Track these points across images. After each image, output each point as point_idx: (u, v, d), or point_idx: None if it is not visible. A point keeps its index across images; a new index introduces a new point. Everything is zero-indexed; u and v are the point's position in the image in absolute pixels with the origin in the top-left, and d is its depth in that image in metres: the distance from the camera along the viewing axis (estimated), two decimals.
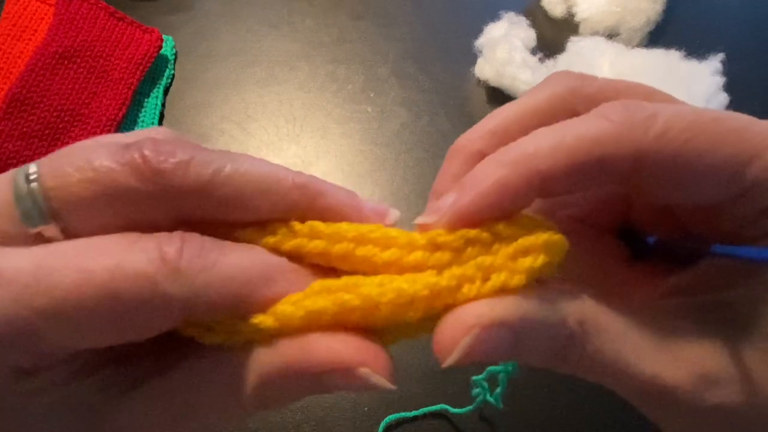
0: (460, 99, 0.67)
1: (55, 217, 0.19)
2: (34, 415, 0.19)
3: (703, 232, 0.24)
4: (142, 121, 0.62)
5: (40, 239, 0.19)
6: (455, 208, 0.20)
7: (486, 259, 0.20)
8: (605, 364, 0.20)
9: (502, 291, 0.19)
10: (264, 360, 0.19)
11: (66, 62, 0.58)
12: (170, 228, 0.19)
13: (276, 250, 0.20)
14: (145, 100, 0.63)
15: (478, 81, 0.67)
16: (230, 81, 0.67)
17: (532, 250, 0.20)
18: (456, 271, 0.20)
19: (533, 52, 0.67)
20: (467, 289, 0.19)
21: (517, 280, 0.19)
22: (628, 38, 0.69)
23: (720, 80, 0.63)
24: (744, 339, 0.21)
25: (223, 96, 0.66)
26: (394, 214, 0.22)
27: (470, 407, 0.45)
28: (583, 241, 0.21)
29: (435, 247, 0.20)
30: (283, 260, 0.20)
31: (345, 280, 0.20)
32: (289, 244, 0.20)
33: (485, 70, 0.65)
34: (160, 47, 0.64)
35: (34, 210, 0.19)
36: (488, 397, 0.43)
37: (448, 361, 0.19)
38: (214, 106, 0.65)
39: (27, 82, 0.55)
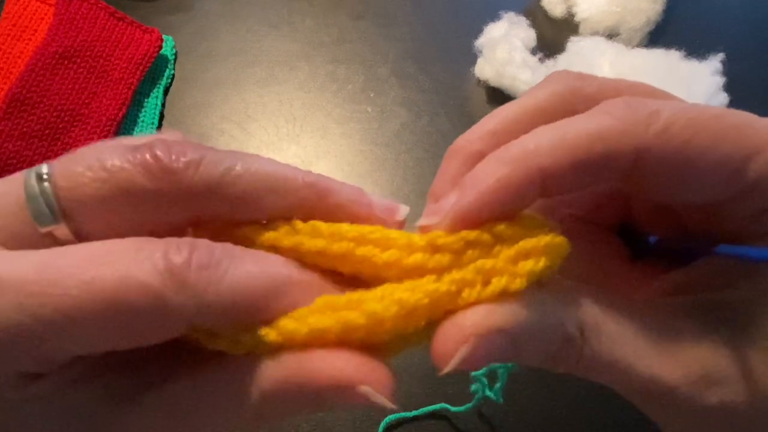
0: (460, 99, 0.67)
1: (66, 217, 0.19)
2: (38, 420, 0.19)
3: (704, 231, 0.24)
4: (142, 121, 0.62)
5: (51, 239, 0.19)
6: (456, 209, 0.20)
7: (486, 263, 0.20)
8: (604, 365, 0.20)
9: (503, 295, 0.19)
10: (266, 374, 0.19)
11: (66, 62, 0.58)
12: (181, 227, 0.19)
13: (274, 248, 0.20)
14: (145, 100, 0.63)
15: (478, 81, 0.67)
16: (230, 81, 0.67)
17: (534, 253, 0.20)
18: (456, 275, 0.19)
19: (533, 52, 0.67)
20: (467, 294, 0.19)
21: (518, 284, 0.19)
22: (628, 38, 0.69)
23: (720, 80, 0.63)
24: (745, 338, 0.21)
25: (223, 96, 0.66)
26: (404, 210, 0.22)
27: (470, 404, 0.45)
28: (583, 239, 0.21)
29: (435, 249, 0.20)
30: (294, 271, 0.20)
31: (348, 296, 0.19)
32: (289, 241, 0.20)
33: (485, 70, 0.65)
34: (160, 47, 0.64)
35: (45, 209, 0.19)
36: (487, 392, 0.43)
37: (446, 370, 0.19)
38: (214, 106, 0.65)
39: (27, 82, 0.55)
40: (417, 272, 0.20)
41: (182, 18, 0.70)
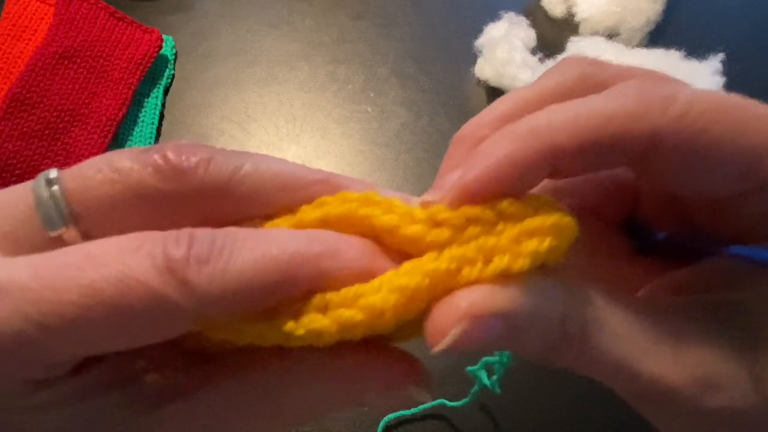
0: (460, 99, 0.67)
1: (75, 220, 0.19)
2: (51, 429, 0.18)
3: (713, 228, 0.23)
4: (142, 121, 0.62)
5: (60, 245, 0.18)
6: (460, 184, 0.19)
7: (488, 240, 0.19)
8: (605, 363, 0.20)
9: (504, 275, 0.18)
10: (306, 381, 0.19)
11: (66, 62, 0.58)
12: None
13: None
14: (145, 100, 0.63)
15: (478, 81, 0.67)
16: (230, 81, 0.67)
17: (539, 232, 0.19)
18: (455, 252, 0.18)
19: (533, 52, 0.67)
20: (467, 272, 0.18)
21: (521, 264, 0.18)
22: (628, 38, 0.69)
23: (720, 80, 0.63)
24: (752, 341, 0.20)
25: (223, 96, 0.66)
26: (416, 202, 0.21)
27: (467, 399, 0.45)
28: (588, 231, 0.21)
29: (435, 223, 0.19)
30: (301, 244, 0.18)
31: (344, 293, 0.18)
32: (289, 221, 0.20)
33: (485, 70, 0.65)
34: (160, 47, 0.64)
35: (54, 213, 0.18)
36: (485, 380, 0.43)
37: (437, 349, 0.18)
38: (214, 106, 0.65)
39: (27, 82, 0.55)
40: (415, 245, 0.19)
41: (182, 18, 0.70)
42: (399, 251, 0.20)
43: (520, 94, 0.23)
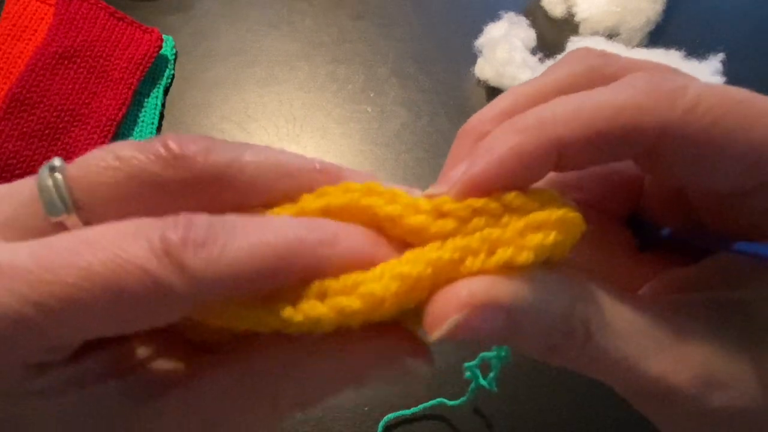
0: (460, 99, 0.67)
1: (77, 207, 0.19)
2: (51, 415, 0.19)
3: (718, 225, 0.23)
4: (142, 121, 0.62)
5: (62, 231, 0.19)
6: (465, 178, 0.19)
7: (493, 232, 0.18)
8: (606, 362, 0.20)
9: (508, 267, 0.18)
10: (305, 362, 0.19)
11: (66, 62, 0.58)
12: None
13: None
14: (145, 100, 0.63)
15: (478, 81, 0.67)
16: (230, 81, 0.67)
17: (545, 226, 0.19)
18: (459, 242, 0.18)
19: (533, 52, 0.67)
20: (470, 263, 0.18)
21: (525, 256, 0.18)
22: (628, 38, 0.69)
23: (720, 80, 0.63)
24: (754, 339, 0.20)
25: (223, 96, 0.66)
26: (418, 192, 0.21)
27: (466, 397, 0.45)
28: (591, 226, 0.21)
29: (440, 214, 0.19)
30: (302, 231, 0.18)
31: (343, 280, 0.18)
32: (293, 209, 0.20)
33: (485, 70, 0.66)
34: (160, 47, 0.64)
35: (56, 199, 0.19)
36: (481, 380, 0.43)
37: (435, 336, 0.18)
38: (214, 106, 0.65)
39: (27, 82, 0.55)
40: (418, 235, 0.19)
41: (182, 18, 0.70)
42: (401, 242, 0.19)
43: (527, 87, 0.23)
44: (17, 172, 0.54)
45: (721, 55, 0.65)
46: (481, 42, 0.67)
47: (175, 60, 0.67)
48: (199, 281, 0.17)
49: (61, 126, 0.56)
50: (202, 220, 0.18)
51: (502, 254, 0.18)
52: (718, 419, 0.20)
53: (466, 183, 0.19)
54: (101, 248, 0.17)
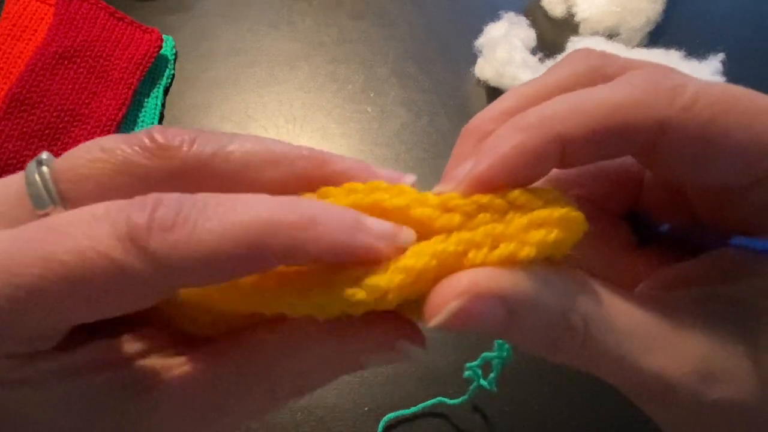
0: (460, 99, 0.67)
1: (64, 199, 0.19)
2: (38, 406, 0.19)
3: (716, 221, 0.23)
4: (142, 121, 0.62)
5: None
6: (471, 175, 0.20)
7: (497, 227, 0.19)
8: (606, 358, 0.20)
9: (510, 261, 0.18)
10: (301, 346, 0.19)
11: (66, 62, 0.58)
12: None
13: None
14: (145, 100, 0.63)
15: (478, 81, 0.67)
16: (230, 81, 0.67)
17: (547, 224, 0.19)
18: (464, 235, 0.19)
19: (533, 52, 0.67)
20: (473, 255, 0.18)
21: (527, 251, 0.18)
22: (628, 38, 0.69)
23: (720, 80, 0.63)
24: (753, 333, 0.20)
25: (223, 96, 0.66)
26: (411, 177, 0.21)
27: (466, 396, 0.45)
28: (591, 223, 0.21)
29: (446, 209, 0.19)
30: (277, 210, 0.17)
31: (350, 272, 0.18)
32: None
33: (485, 70, 0.65)
34: (160, 47, 0.64)
35: (42, 191, 0.19)
36: (482, 381, 0.43)
37: (433, 322, 0.18)
38: (214, 106, 0.65)
39: (27, 82, 0.55)
40: (425, 227, 0.19)
41: (182, 18, 0.70)
42: None
43: (528, 87, 0.23)
44: (17, 172, 0.54)
45: (721, 55, 0.64)
46: (481, 42, 0.67)
47: (175, 60, 0.67)
48: (166, 266, 0.16)
49: (61, 126, 0.56)
50: (171, 200, 0.17)
51: (505, 249, 0.18)
52: (716, 413, 0.20)
53: (471, 180, 0.20)
54: (67, 236, 0.17)
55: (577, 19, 0.71)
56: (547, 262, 0.20)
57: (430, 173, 0.61)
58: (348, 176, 0.21)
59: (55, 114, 0.56)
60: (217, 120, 0.64)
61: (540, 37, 0.69)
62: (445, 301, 0.18)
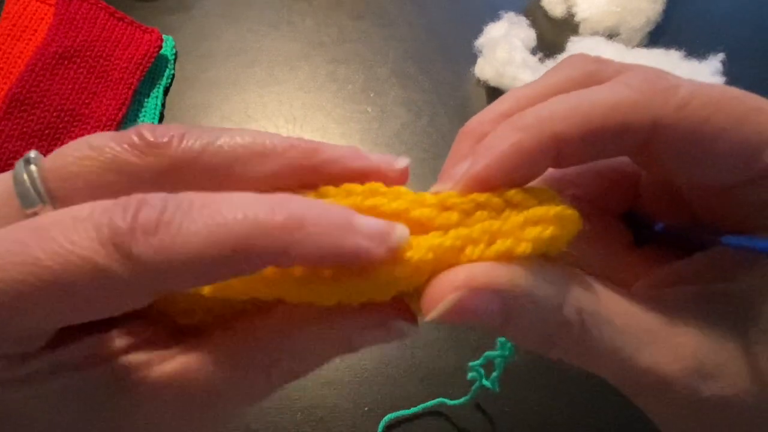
0: (460, 99, 0.67)
1: (52, 198, 0.19)
2: (41, 404, 0.19)
3: (711, 219, 0.23)
4: (142, 122, 0.62)
5: None
6: (469, 174, 0.20)
7: (494, 224, 0.19)
8: (601, 353, 0.20)
9: (506, 257, 0.19)
10: (294, 328, 0.19)
11: (66, 62, 0.58)
12: None
13: None
14: (145, 100, 0.63)
15: (478, 81, 0.67)
16: (230, 81, 0.67)
17: (543, 220, 0.20)
18: (462, 231, 0.19)
19: (533, 52, 0.67)
20: (470, 251, 0.19)
21: (523, 247, 0.19)
22: (628, 38, 0.69)
23: (720, 80, 0.63)
24: (748, 330, 0.21)
25: (223, 96, 0.66)
26: (404, 160, 0.21)
27: (467, 396, 0.45)
28: (588, 221, 0.21)
29: (444, 207, 0.20)
30: (262, 210, 0.17)
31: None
32: None
33: (485, 70, 0.65)
34: (160, 47, 0.64)
35: (30, 190, 0.19)
36: (484, 381, 0.43)
37: (430, 316, 0.18)
38: (214, 106, 0.65)
39: (27, 82, 0.55)
40: (424, 227, 0.20)
41: (182, 18, 0.70)
42: None
43: (525, 90, 0.24)
44: None
45: (721, 55, 0.64)
46: (481, 42, 0.67)
47: (175, 60, 0.67)
48: (150, 270, 0.16)
49: (61, 126, 0.56)
50: (155, 201, 0.17)
51: (502, 245, 0.19)
52: (710, 409, 0.20)
53: (469, 179, 0.20)
54: (50, 239, 0.16)
55: (577, 19, 0.71)
56: (542, 258, 0.20)
57: (430, 173, 0.61)
58: (340, 163, 0.20)
59: (55, 114, 0.56)
60: (217, 120, 0.64)
61: (540, 37, 0.69)
62: (442, 294, 0.18)
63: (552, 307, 0.19)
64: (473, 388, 0.44)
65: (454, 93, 0.67)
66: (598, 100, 0.20)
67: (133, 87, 0.61)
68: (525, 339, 0.20)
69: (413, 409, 0.48)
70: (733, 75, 0.64)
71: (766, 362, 0.20)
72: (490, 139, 0.21)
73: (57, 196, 0.19)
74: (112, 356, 0.19)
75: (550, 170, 0.22)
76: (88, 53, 0.59)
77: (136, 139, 0.19)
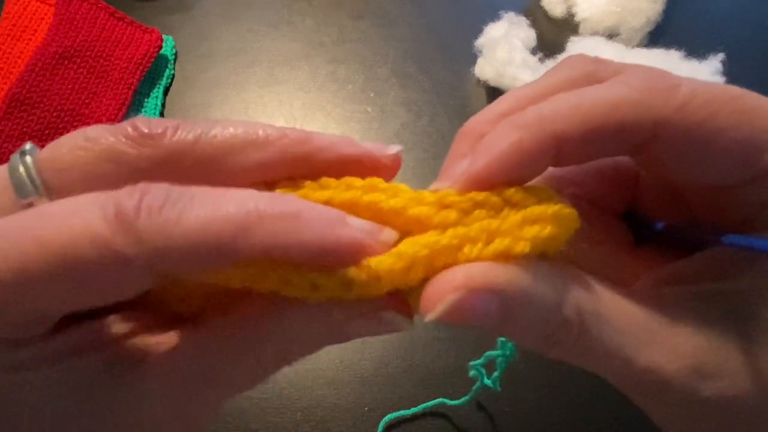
0: (460, 99, 0.67)
1: (48, 189, 0.19)
2: (42, 389, 0.19)
3: (712, 218, 0.23)
4: None
5: None
6: (468, 173, 0.20)
7: (492, 223, 0.19)
8: (601, 353, 0.20)
9: (504, 256, 0.19)
10: (286, 314, 0.19)
11: (66, 62, 0.58)
12: None
13: None
14: (145, 100, 0.63)
15: (478, 81, 0.67)
16: (230, 81, 0.67)
17: (541, 219, 0.20)
18: (459, 230, 0.19)
19: (533, 52, 0.67)
20: (468, 250, 0.19)
21: (521, 246, 0.19)
22: (628, 38, 0.69)
23: (720, 80, 0.63)
24: (748, 329, 0.21)
25: (223, 96, 0.66)
26: (395, 147, 0.22)
27: (468, 396, 0.45)
28: (587, 221, 0.21)
29: (443, 206, 0.20)
30: (261, 203, 0.18)
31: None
32: (295, 194, 0.20)
33: (485, 70, 0.65)
34: (160, 47, 0.64)
35: (25, 180, 0.19)
36: (486, 380, 0.43)
37: (429, 317, 0.18)
38: (214, 106, 0.65)
39: (27, 82, 0.55)
40: (422, 225, 0.20)
41: (182, 18, 0.70)
42: (406, 234, 0.20)
43: (525, 90, 0.24)
44: None
45: (721, 55, 0.65)
46: (481, 42, 0.67)
47: (175, 60, 0.67)
48: (152, 247, 0.17)
49: (61, 126, 0.56)
50: (159, 188, 0.17)
51: (500, 244, 0.19)
52: (710, 408, 0.20)
53: (468, 178, 0.20)
54: (55, 219, 0.17)
55: (577, 19, 0.71)
56: (541, 258, 0.20)
57: (430, 173, 0.61)
58: (332, 150, 0.21)
59: (55, 114, 0.56)
60: None
61: (540, 37, 0.69)
62: (441, 295, 0.18)
63: (551, 307, 0.19)
64: (474, 387, 0.44)
65: (454, 93, 0.67)
66: (598, 99, 0.20)
67: (133, 87, 0.61)
68: (524, 339, 0.20)
69: (413, 409, 0.48)
70: (733, 75, 0.64)
71: (766, 362, 0.20)
72: (490, 137, 0.21)
73: (53, 186, 0.19)
74: (112, 341, 0.20)
75: (550, 169, 0.22)
76: (88, 53, 0.59)
77: (131, 130, 0.19)
